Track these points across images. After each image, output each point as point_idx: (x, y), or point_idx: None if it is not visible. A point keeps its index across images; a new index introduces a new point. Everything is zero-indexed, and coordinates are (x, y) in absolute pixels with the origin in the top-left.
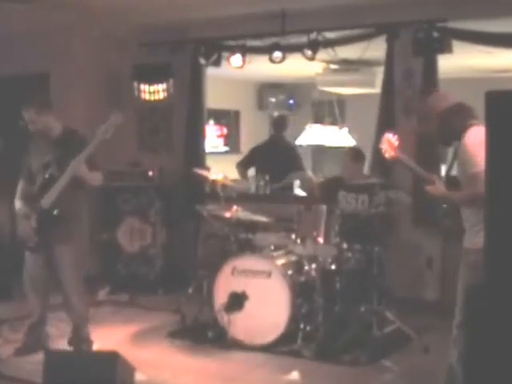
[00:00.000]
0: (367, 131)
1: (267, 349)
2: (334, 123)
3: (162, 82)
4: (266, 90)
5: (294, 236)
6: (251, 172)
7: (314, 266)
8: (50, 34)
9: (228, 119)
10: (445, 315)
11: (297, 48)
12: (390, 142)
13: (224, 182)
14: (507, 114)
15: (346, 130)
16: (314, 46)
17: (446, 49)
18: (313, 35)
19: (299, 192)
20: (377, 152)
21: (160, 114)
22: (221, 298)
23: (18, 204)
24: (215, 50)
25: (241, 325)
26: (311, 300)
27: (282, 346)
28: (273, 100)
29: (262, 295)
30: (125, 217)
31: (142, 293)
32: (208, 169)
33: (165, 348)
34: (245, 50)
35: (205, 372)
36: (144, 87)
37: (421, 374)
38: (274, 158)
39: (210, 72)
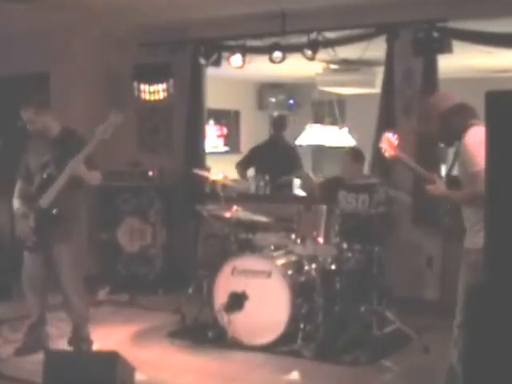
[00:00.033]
0: (367, 131)
1: (267, 349)
2: (334, 123)
3: (162, 82)
4: (266, 90)
5: (293, 236)
6: (250, 172)
7: (314, 266)
8: (50, 34)
9: (228, 119)
10: (445, 315)
11: (297, 48)
12: (390, 141)
13: (224, 182)
14: (507, 114)
15: (345, 130)
16: (314, 46)
17: (446, 49)
18: (313, 35)
19: (299, 192)
20: (377, 152)
21: (160, 114)
22: (221, 298)
23: (16, 204)
24: (215, 49)
25: (241, 325)
26: (311, 300)
27: (282, 346)
28: (273, 100)
29: (262, 295)
30: (125, 217)
31: (142, 293)
32: (208, 169)
33: (165, 348)
34: (245, 50)
35: (205, 372)
36: (144, 87)
37: (421, 374)
38: (274, 158)
39: (210, 72)
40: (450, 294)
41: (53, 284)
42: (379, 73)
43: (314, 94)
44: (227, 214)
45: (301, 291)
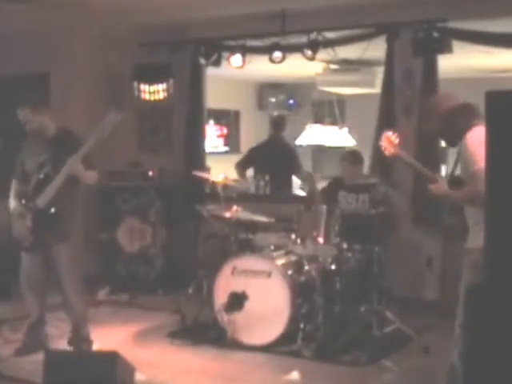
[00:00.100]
0: (367, 131)
1: (267, 349)
2: (334, 123)
3: (161, 82)
4: (265, 89)
5: (293, 236)
6: (250, 172)
7: (314, 265)
8: (50, 34)
9: (228, 119)
10: (445, 315)
11: (297, 48)
12: (390, 140)
13: (224, 182)
14: (507, 114)
15: (345, 129)
16: (314, 46)
17: (446, 49)
18: (313, 35)
19: (299, 192)
20: (377, 151)
21: (160, 114)
22: (221, 297)
23: (12, 204)
24: (215, 50)
25: (241, 325)
26: (311, 300)
27: (282, 346)
28: (273, 100)
29: (261, 295)
30: (125, 217)
31: (142, 293)
32: (208, 169)
33: (165, 348)
34: (245, 50)
35: (205, 372)
36: (144, 87)
37: (421, 374)
38: (273, 158)
39: (210, 72)
40: (450, 293)
41: (52, 284)
42: (379, 73)
43: (314, 94)
44: (227, 214)
45: (301, 291)
